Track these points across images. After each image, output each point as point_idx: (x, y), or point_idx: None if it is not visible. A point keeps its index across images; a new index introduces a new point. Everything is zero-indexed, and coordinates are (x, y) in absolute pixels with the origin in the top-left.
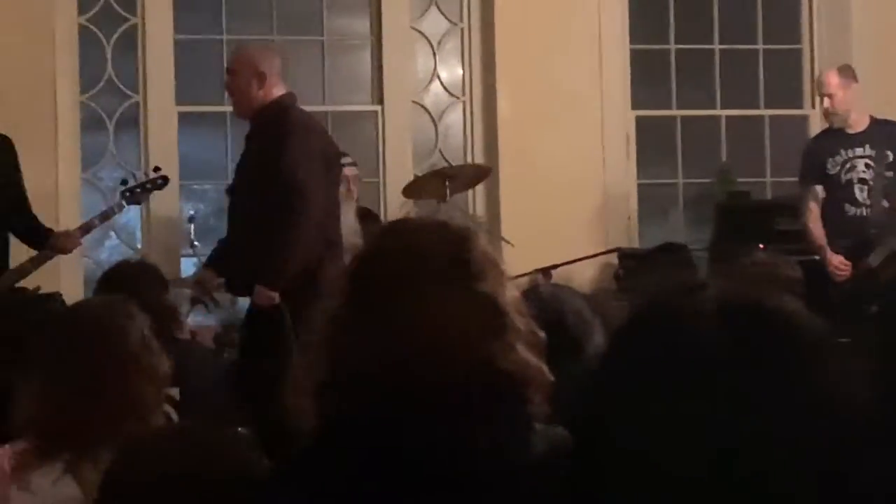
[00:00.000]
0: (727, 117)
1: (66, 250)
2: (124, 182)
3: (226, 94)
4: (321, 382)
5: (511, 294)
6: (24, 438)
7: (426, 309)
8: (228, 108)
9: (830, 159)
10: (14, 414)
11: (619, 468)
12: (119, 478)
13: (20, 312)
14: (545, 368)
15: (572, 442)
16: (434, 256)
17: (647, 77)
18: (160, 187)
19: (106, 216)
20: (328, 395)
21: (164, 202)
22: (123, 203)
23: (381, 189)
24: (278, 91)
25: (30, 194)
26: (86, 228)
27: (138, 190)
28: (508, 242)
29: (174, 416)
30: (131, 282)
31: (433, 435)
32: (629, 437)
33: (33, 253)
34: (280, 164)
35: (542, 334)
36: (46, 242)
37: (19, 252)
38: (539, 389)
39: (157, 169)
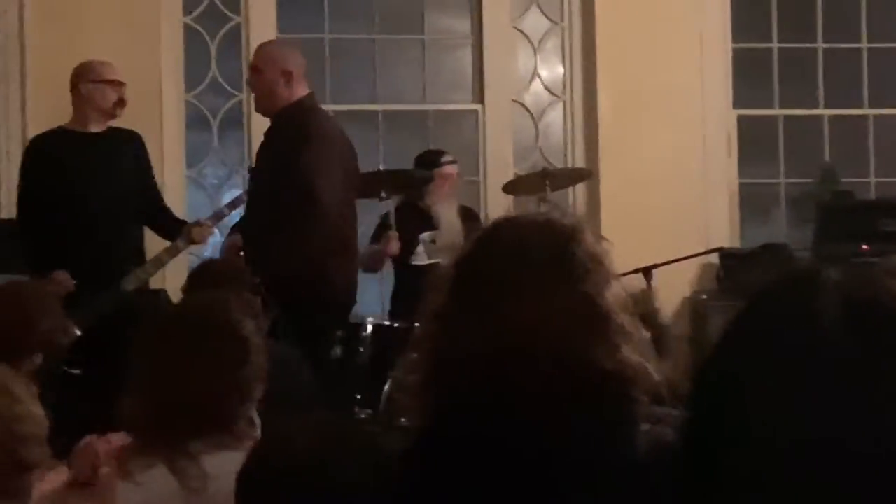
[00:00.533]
0: (830, 116)
1: (200, 240)
2: (251, 168)
3: (326, 92)
4: (425, 379)
5: (616, 292)
6: (128, 431)
7: (524, 308)
8: (330, 107)
9: None
10: (121, 406)
11: (736, 456)
12: (259, 467)
13: (128, 309)
14: (650, 367)
15: (686, 426)
16: (535, 255)
17: (749, 76)
18: None
19: (234, 205)
20: (431, 392)
21: None
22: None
23: (482, 188)
24: (302, 91)
25: None
26: (217, 217)
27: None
28: (608, 241)
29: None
30: (219, 281)
31: (533, 433)
32: (748, 423)
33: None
34: (297, 169)
35: (646, 333)
36: (180, 233)
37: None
38: (644, 389)
39: None
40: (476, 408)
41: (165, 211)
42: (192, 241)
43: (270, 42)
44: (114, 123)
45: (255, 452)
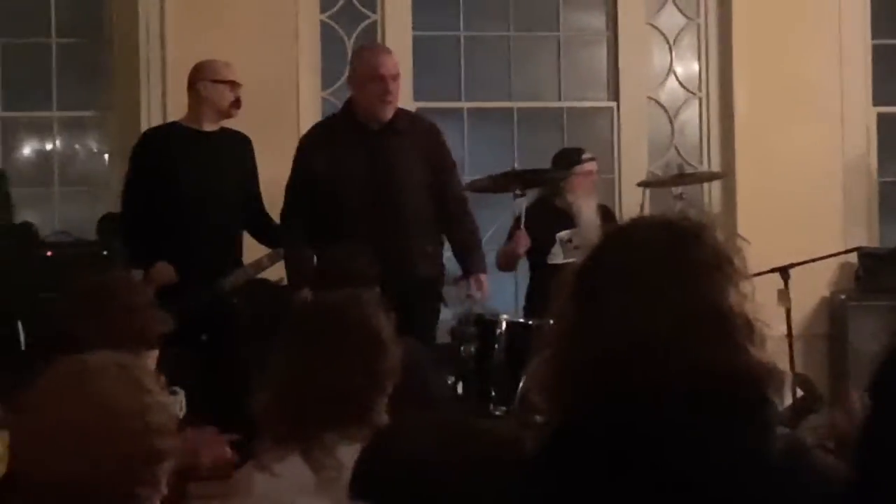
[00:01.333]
0: None
1: None
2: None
3: (462, 90)
4: (551, 381)
5: (743, 292)
6: (263, 424)
7: (641, 309)
8: (465, 104)
9: None
10: (257, 400)
11: None
12: (374, 461)
13: (266, 302)
14: (778, 366)
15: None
16: (654, 256)
17: (889, 72)
18: None
19: None
20: (559, 394)
21: None
22: None
23: (617, 185)
24: None
25: (274, 189)
26: None
27: None
28: (744, 239)
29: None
30: (346, 277)
31: (659, 435)
32: None
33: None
34: (453, 170)
35: (771, 331)
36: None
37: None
38: (776, 389)
39: None
40: (601, 410)
41: (267, 217)
42: None
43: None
44: (250, 121)
45: (371, 444)
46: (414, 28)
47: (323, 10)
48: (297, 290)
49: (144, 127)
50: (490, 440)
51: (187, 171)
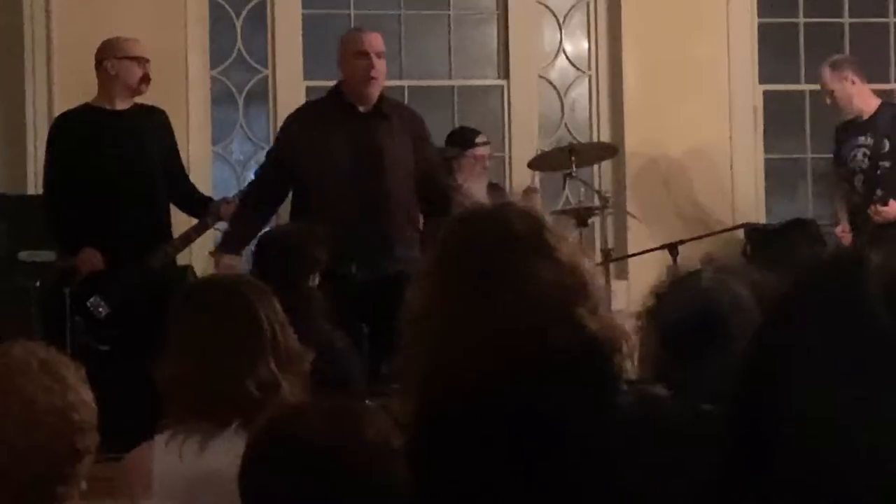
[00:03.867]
0: None
1: (227, 217)
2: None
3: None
4: (426, 375)
5: (587, 260)
6: (167, 407)
7: (523, 280)
8: None
9: (844, 145)
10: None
11: (782, 429)
12: (263, 451)
13: (155, 285)
14: (625, 327)
15: (730, 408)
16: (519, 231)
17: (775, 50)
18: None
19: None
20: (433, 387)
21: None
22: None
23: (507, 163)
24: None
25: None
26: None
27: None
28: (635, 217)
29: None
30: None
31: (514, 416)
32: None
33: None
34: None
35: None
36: (206, 210)
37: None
38: (623, 347)
39: None
40: (477, 396)
41: (192, 189)
42: (220, 219)
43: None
44: (140, 100)
45: (261, 432)
46: (304, 6)
47: None
48: (226, 251)
49: (29, 105)
50: (379, 424)
51: (104, 152)
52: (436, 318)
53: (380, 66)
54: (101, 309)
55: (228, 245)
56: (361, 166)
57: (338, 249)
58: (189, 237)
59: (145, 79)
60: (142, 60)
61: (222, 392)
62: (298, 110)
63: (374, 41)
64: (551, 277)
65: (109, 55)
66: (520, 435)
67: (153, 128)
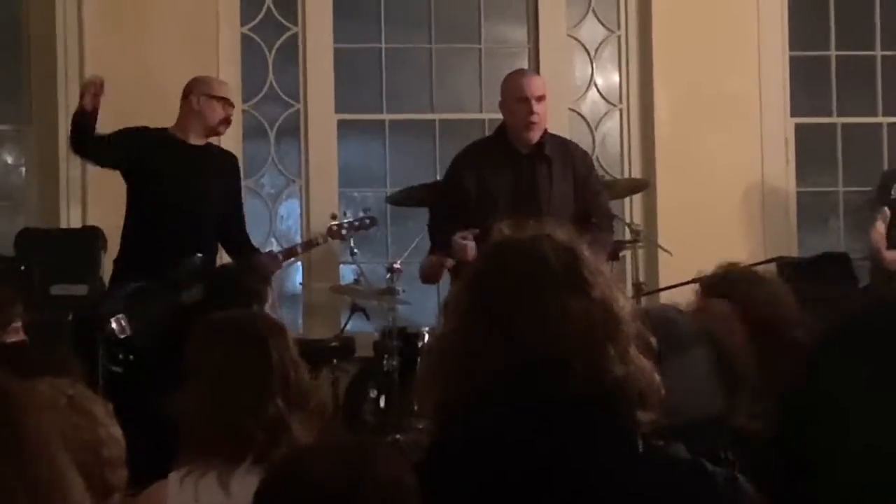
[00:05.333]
0: (889, 124)
1: (268, 272)
2: (334, 216)
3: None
4: (441, 406)
5: (623, 300)
6: (181, 441)
7: (551, 315)
8: (387, 116)
9: (894, 185)
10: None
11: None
12: (274, 493)
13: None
14: (656, 374)
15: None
16: (551, 265)
17: (807, 84)
18: (367, 228)
19: (309, 245)
20: (447, 418)
21: (324, 209)
22: (328, 237)
23: None
24: None
25: None
26: (289, 254)
27: (345, 229)
28: (666, 251)
29: None
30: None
31: (548, 441)
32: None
33: None
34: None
35: (652, 339)
36: (251, 261)
37: None
38: (651, 395)
39: (366, 210)
40: (491, 425)
41: (243, 234)
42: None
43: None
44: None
45: (271, 472)
46: (335, 40)
47: (244, 23)
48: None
49: (62, 140)
50: (392, 461)
51: (170, 180)
52: (456, 349)
53: (539, 110)
54: (124, 327)
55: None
56: (520, 208)
57: None
58: None
59: (226, 121)
60: (226, 103)
61: (232, 428)
62: (466, 149)
63: (534, 85)
64: (582, 314)
65: (197, 91)
66: (529, 473)
67: (219, 169)
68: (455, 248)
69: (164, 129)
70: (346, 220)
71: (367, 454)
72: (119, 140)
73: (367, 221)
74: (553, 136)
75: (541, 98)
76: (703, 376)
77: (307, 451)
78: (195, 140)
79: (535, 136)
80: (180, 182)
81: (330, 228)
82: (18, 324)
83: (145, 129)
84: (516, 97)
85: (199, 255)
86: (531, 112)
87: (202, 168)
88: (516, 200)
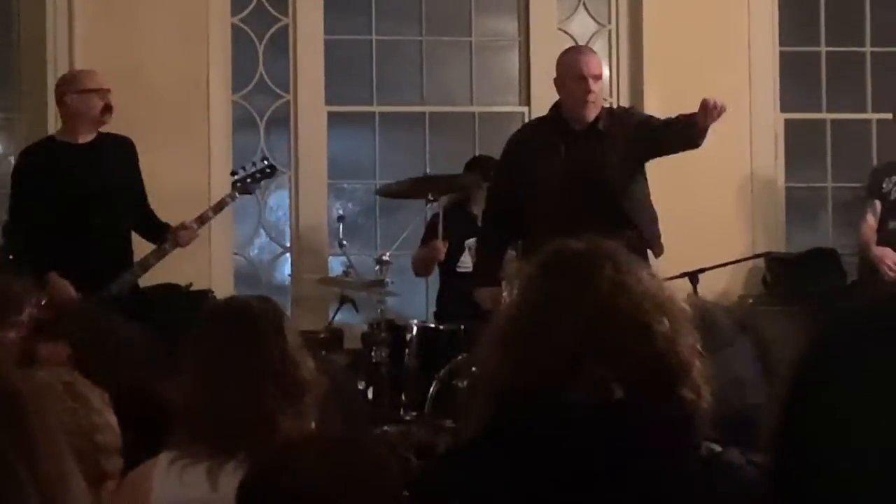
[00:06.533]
0: (878, 120)
1: (184, 243)
2: (234, 173)
3: (373, 93)
4: (505, 384)
5: (670, 292)
6: (177, 429)
7: (618, 298)
8: (377, 108)
9: (886, 179)
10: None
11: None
12: (256, 488)
13: (175, 308)
14: (700, 358)
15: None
16: (613, 252)
17: (796, 79)
18: (269, 176)
19: (219, 207)
20: (514, 400)
21: (313, 201)
22: (235, 193)
23: None
24: None
25: (183, 192)
26: (202, 220)
27: (248, 180)
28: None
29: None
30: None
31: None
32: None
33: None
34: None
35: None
36: (166, 236)
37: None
38: (697, 377)
39: (264, 158)
40: (568, 409)
41: (151, 215)
42: (178, 244)
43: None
44: (159, 123)
45: (254, 469)
46: (326, 32)
47: (234, 13)
48: (480, 285)
49: (53, 129)
50: (378, 459)
51: (66, 185)
52: (527, 334)
53: (597, 88)
54: None
55: (483, 279)
56: (572, 185)
57: None
58: (148, 263)
59: (107, 109)
60: (101, 91)
61: (222, 420)
62: (519, 129)
63: (592, 63)
64: (642, 301)
65: (68, 90)
66: (594, 467)
67: (114, 157)
68: (479, 297)
69: (51, 138)
70: (246, 172)
71: (351, 450)
72: (18, 205)
73: (268, 170)
74: (608, 110)
75: (598, 77)
76: (746, 368)
77: (292, 446)
78: (84, 138)
79: (592, 114)
80: (80, 182)
81: (234, 184)
82: (25, 317)
83: (26, 151)
84: (573, 75)
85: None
86: (588, 91)
87: (95, 161)
88: (567, 177)
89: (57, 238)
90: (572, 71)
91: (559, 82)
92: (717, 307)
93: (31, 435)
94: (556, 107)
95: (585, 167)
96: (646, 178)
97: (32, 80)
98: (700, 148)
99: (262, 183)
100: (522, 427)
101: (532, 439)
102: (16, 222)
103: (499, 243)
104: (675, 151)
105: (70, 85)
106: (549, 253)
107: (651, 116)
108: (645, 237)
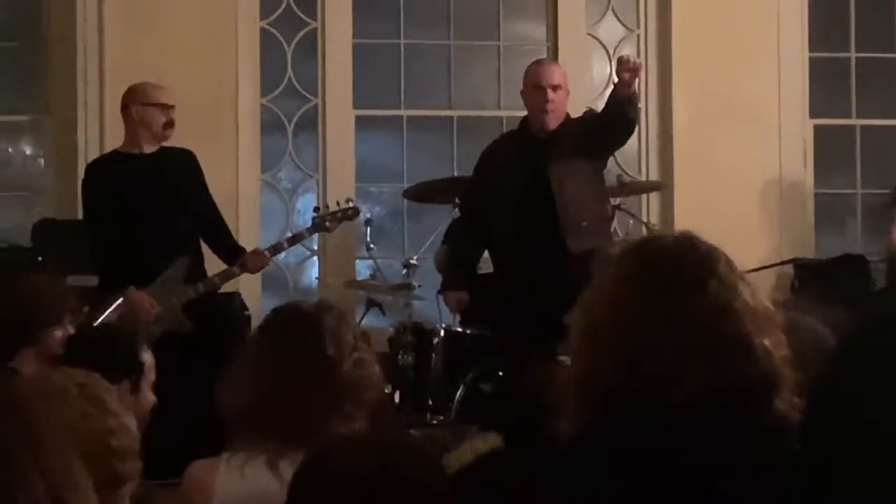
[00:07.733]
0: None
1: (253, 270)
2: (316, 209)
3: (401, 97)
4: (612, 386)
5: (768, 305)
6: (234, 426)
7: (723, 305)
8: (405, 112)
9: None
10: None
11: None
12: (308, 480)
13: (205, 311)
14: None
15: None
16: (717, 257)
17: (826, 85)
18: (350, 218)
19: (295, 240)
20: (619, 399)
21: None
22: (313, 230)
23: None
24: None
25: (215, 194)
26: (275, 249)
27: (328, 219)
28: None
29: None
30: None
31: (676, 443)
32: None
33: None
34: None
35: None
36: (237, 259)
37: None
38: (790, 388)
39: (348, 200)
40: (659, 413)
41: (224, 231)
42: (246, 270)
43: (556, 61)
44: (191, 130)
45: (306, 462)
46: (354, 35)
47: (263, 17)
48: (447, 289)
49: (81, 131)
50: (424, 460)
51: (134, 198)
52: (632, 336)
53: (556, 98)
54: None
55: (451, 283)
56: (522, 193)
57: (500, 273)
58: (213, 283)
59: (169, 125)
60: (166, 107)
61: (278, 416)
62: (493, 140)
63: (549, 74)
64: (745, 308)
65: (133, 101)
66: (704, 470)
67: (179, 169)
68: (445, 300)
69: (114, 151)
70: (328, 212)
71: (394, 449)
72: (95, 214)
73: (350, 211)
74: (574, 119)
75: (557, 87)
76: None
77: (338, 442)
78: (148, 148)
79: (552, 122)
80: (146, 194)
81: (314, 220)
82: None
83: (94, 164)
84: (532, 84)
85: (184, 258)
86: (546, 100)
87: (163, 172)
88: (516, 184)
89: (124, 251)
90: (531, 80)
91: (522, 92)
92: (804, 314)
93: (39, 440)
94: (524, 119)
95: (531, 175)
96: (602, 177)
97: (61, 83)
98: (728, 152)
99: (340, 224)
100: (636, 428)
101: (643, 440)
102: (92, 234)
103: (467, 250)
104: (616, 135)
105: (136, 95)
106: (644, 250)
107: (586, 118)
108: (560, 223)
